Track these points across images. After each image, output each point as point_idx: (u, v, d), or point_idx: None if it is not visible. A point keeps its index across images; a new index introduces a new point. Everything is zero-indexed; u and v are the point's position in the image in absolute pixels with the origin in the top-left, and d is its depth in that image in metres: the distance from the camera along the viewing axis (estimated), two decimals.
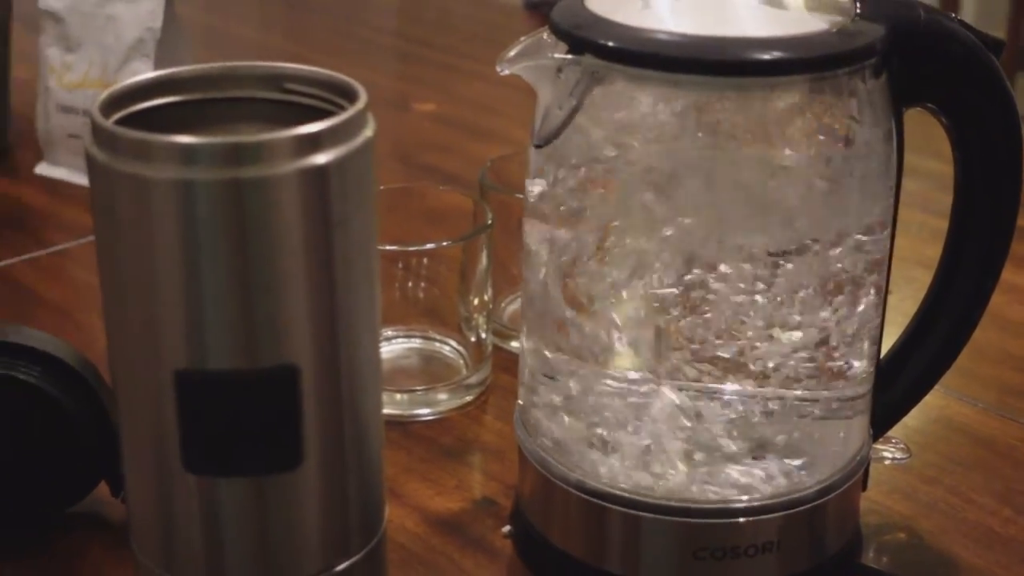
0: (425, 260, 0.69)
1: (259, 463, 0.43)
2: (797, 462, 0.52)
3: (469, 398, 0.69)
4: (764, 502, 0.51)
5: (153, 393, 0.42)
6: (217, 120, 0.46)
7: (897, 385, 0.57)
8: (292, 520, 0.44)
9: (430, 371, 0.71)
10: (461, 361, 0.71)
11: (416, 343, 0.73)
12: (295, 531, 0.45)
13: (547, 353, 0.53)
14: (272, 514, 0.44)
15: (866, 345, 0.52)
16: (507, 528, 0.59)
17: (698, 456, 0.51)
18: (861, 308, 0.51)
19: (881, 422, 0.57)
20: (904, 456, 0.60)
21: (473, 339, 0.70)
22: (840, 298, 0.50)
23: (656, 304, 0.49)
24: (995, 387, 0.71)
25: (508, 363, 0.72)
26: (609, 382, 0.52)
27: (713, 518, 0.51)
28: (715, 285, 0.49)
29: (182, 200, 0.39)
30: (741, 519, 0.51)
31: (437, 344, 0.72)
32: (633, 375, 0.51)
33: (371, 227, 0.44)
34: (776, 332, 0.50)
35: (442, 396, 0.68)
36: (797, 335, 0.50)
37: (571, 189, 0.51)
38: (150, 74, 0.45)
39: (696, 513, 0.51)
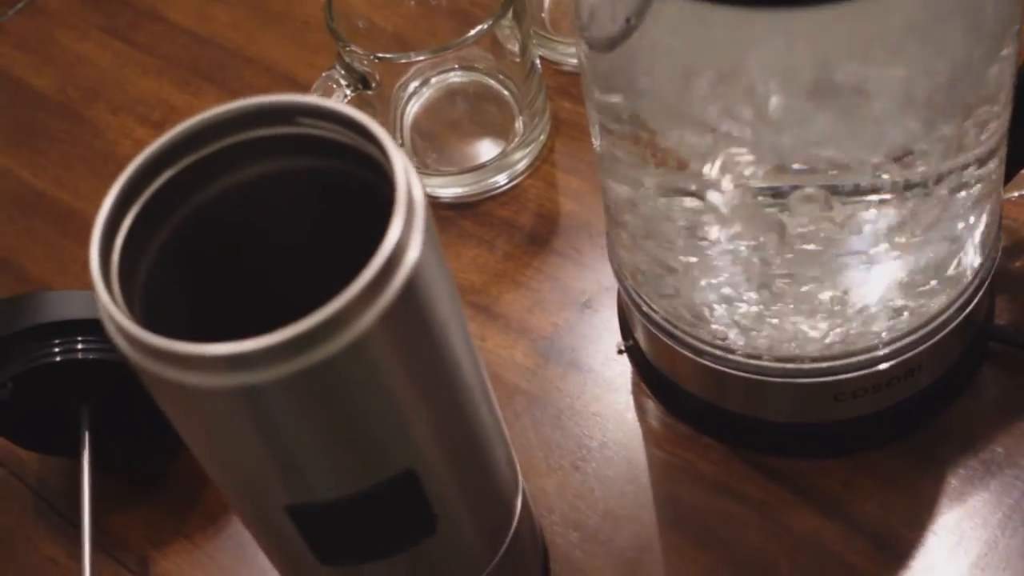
0: None
1: (395, 547, 0.40)
2: (934, 283, 0.47)
3: (535, 149, 0.63)
4: (904, 341, 0.48)
5: (271, 520, 0.39)
6: (229, 173, 0.38)
7: None
8: (446, 556, 0.42)
9: (482, 120, 0.64)
10: (507, 93, 0.63)
11: (456, 79, 0.65)
12: (449, 561, 0.43)
13: (632, 208, 0.48)
14: (422, 562, 0.42)
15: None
16: (621, 344, 0.56)
17: (822, 308, 0.47)
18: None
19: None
20: None
21: (514, 47, 0.60)
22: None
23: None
24: None
25: (561, 82, 0.65)
26: (712, 233, 0.46)
27: (849, 372, 0.48)
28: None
29: (248, 404, 0.34)
30: (880, 366, 0.48)
31: (475, 75, 0.64)
32: (739, 225, 0.46)
33: (454, 304, 0.38)
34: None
35: (506, 159, 0.62)
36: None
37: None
38: (136, 163, 0.37)
39: (828, 372, 0.48)
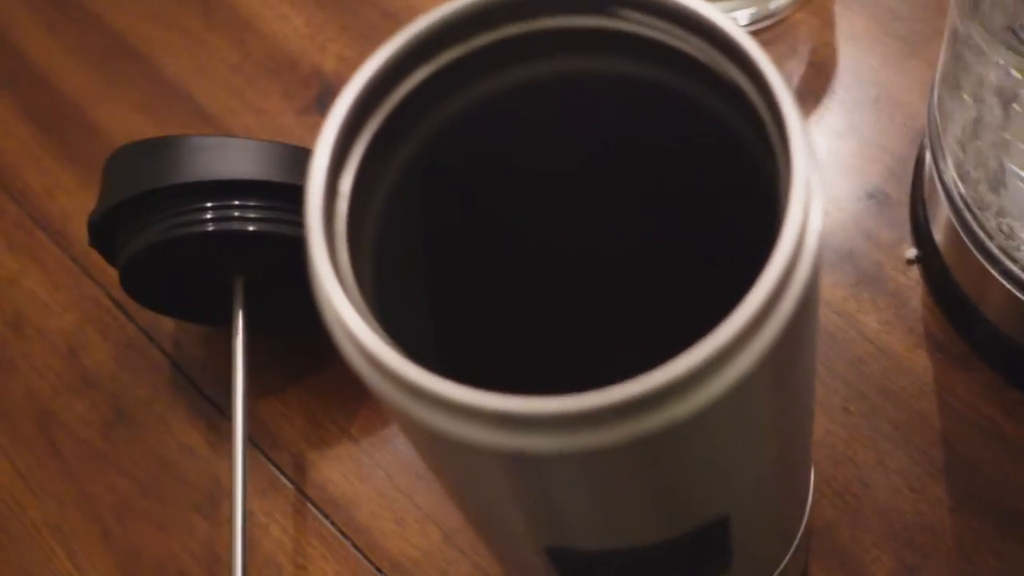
0: None
1: None
2: None
3: None
4: None
5: (521, 553, 0.29)
6: (494, 77, 0.26)
7: None
8: None
9: None
10: None
11: None
12: None
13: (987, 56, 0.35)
14: None
15: None
16: (912, 253, 0.44)
17: None
18: None
19: None
20: None
21: None
22: None
23: None
24: None
25: None
26: None
27: None
28: None
29: (542, 468, 0.23)
30: None
31: None
32: None
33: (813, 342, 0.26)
34: None
35: None
36: None
37: None
38: (391, 47, 0.25)
39: None
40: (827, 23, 0.48)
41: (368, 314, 0.23)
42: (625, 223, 0.28)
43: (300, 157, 0.40)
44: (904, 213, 0.44)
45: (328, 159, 0.23)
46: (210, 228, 0.40)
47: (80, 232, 0.49)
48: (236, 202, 0.40)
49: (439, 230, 0.27)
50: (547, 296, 0.29)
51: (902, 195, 0.45)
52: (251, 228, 0.40)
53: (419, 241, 0.27)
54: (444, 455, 0.24)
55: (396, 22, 0.52)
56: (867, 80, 0.47)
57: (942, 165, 0.39)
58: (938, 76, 0.39)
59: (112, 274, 0.48)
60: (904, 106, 0.46)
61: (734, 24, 0.23)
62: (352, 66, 0.51)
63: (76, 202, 0.50)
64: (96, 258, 0.48)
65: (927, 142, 0.41)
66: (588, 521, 0.26)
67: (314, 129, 0.50)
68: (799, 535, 0.35)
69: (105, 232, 0.42)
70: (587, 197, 0.28)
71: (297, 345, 0.46)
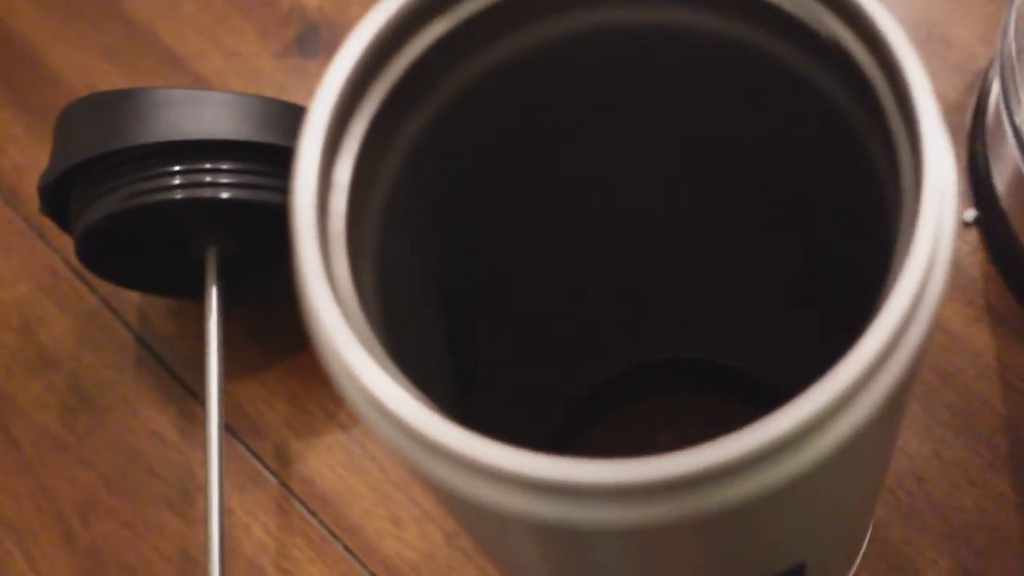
0: None
1: None
2: None
3: None
4: None
5: None
6: (523, 31, 0.21)
7: None
8: None
9: None
10: None
11: None
12: None
13: None
14: None
15: None
16: (971, 215, 0.39)
17: None
18: None
19: None
20: None
21: None
22: None
23: None
24: None
25: None
26: None
27: None
28: None
29: (614, 541, 0.18)
30: None
31: None
32: None
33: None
34: None
35: None
36: None
37: None
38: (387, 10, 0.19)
39: None
40: None
41: (375, 344, 0.18)
42: (681, 220, 0.23)
43: (281, 113, 0.35)
44: (959, 169, 0.40)
45: (321, 143, 0.18)
46: (178, 195, 0.34)
47: (34, 191, 0.44)
48: (208, 165, 0.35)
49: (452, 222, 0.22)
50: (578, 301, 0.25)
51: (958, 149, 0.40)
52: (225, 195, 0.35)
53: (429, 236, 0.22)
54: (469, 516, 0.19)
55: None
56: (916, 18, 0.42)
57: (1015, 107, 0.34)
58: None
59: (71, 239, 0.43)
60: (959, 46, 0.41)
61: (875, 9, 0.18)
62: (339, 2, 0.46)
63: (29, 157, 0.45)
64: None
65: (993, 84, 0.36)
66: None
67: (294, 74, 0.45)
68: (860, 554, 0.30)
69: (59, 197, 0.37)
70: (633, 185, 0.23)
71: (277, 321, 0.41)
